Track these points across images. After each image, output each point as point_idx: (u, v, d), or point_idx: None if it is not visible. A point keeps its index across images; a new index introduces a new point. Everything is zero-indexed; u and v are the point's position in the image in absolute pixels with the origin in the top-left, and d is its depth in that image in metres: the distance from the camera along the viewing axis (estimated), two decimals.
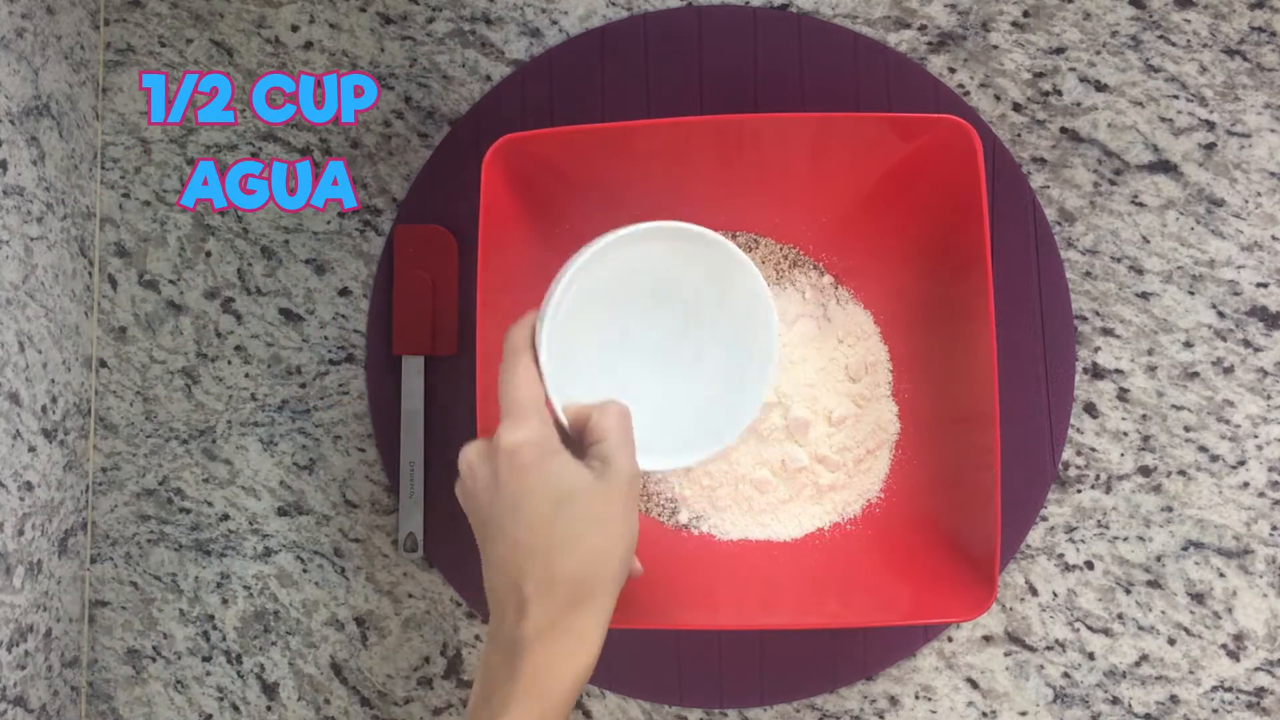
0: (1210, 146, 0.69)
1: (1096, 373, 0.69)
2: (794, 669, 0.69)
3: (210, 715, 0.74)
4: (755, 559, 0.67)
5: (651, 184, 0.66)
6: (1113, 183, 0.70)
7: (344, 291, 0.74)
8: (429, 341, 0.70)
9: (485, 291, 0.60)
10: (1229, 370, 0.69)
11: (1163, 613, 0.68)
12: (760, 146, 0.62)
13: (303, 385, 0.74)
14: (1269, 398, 0.68)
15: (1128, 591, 0.69)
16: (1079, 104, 0.70)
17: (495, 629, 0.51)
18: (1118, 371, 0.69)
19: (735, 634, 0.69)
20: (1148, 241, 0.69)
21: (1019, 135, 0.70)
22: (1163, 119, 0.69)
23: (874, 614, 0.62)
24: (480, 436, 0.59)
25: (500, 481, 0.50)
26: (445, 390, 0.71)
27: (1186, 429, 0.69)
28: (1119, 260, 0.69)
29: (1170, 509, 0.69)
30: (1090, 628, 0.69)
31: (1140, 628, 0.68)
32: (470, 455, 0.52)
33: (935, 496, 0.65)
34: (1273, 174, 0.69)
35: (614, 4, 0.72)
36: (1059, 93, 0.70)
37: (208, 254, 0.74)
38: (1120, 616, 0.69)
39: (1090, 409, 0.69)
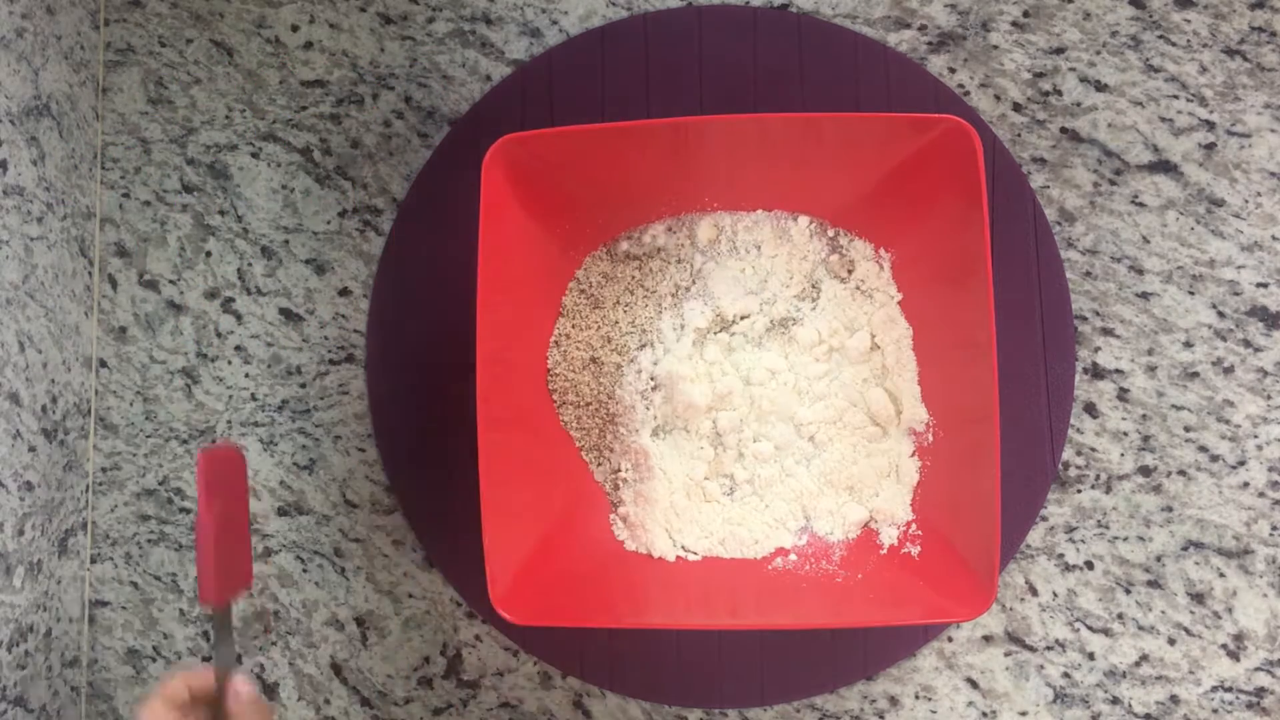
0: (1210, 146, 0.69)
1: (1096, 373, 0.69)
2: (793, 669, 0.69)
3: None
4: (756, 562, 0.67)
5: (652, 183, 0.66)
6: (1113, 183, 0.70)
7: (344, 291, 0.74)
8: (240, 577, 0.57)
9: (485, 291, 0.60)
10: (1229, 370, 0.69)
11: (1163, 613, 0.68)
12: (761, 146, 0.62)
13: (303, 385, 0.74)
14: (1269, 398, 0.68)
15: (1128, 591, 0.69)
16: (1079, 104, 0.70)
17: None
18: (1118, 371, 0.69)
19: (735, 634, 0.69)
20: (1148, 241, 0.69)
21: (1019, 135, 0.70)
22: (1163, 119, 0.69)
23: (873, 615, 0.62)
24: (481, 435, 0.59)
25: None
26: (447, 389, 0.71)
27: (1186, 429, 0.69)
28: (1119, 260, 0.69)
29: (1170, 509, 0.69)
30: (1090, 628, 0.69)
31: (1140, 628, 0.68)
32: None
33: (935, 496, 0.65)
34: (1273, 174, 0.69)
35: (614, 4, 0.72)
36: (1059, 93, 0.70)
37: (208, 254, 0.74)
38: (1120, 616, 0.69)
39: (1090, 409, 0.69)
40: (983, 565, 0.59)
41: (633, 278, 0.69)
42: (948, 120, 0.58)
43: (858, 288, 0.67)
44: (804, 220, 0.68)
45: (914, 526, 0.66)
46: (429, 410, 0.71)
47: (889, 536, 0.66)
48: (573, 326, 0.69)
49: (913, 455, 0.66)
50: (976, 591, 0.58)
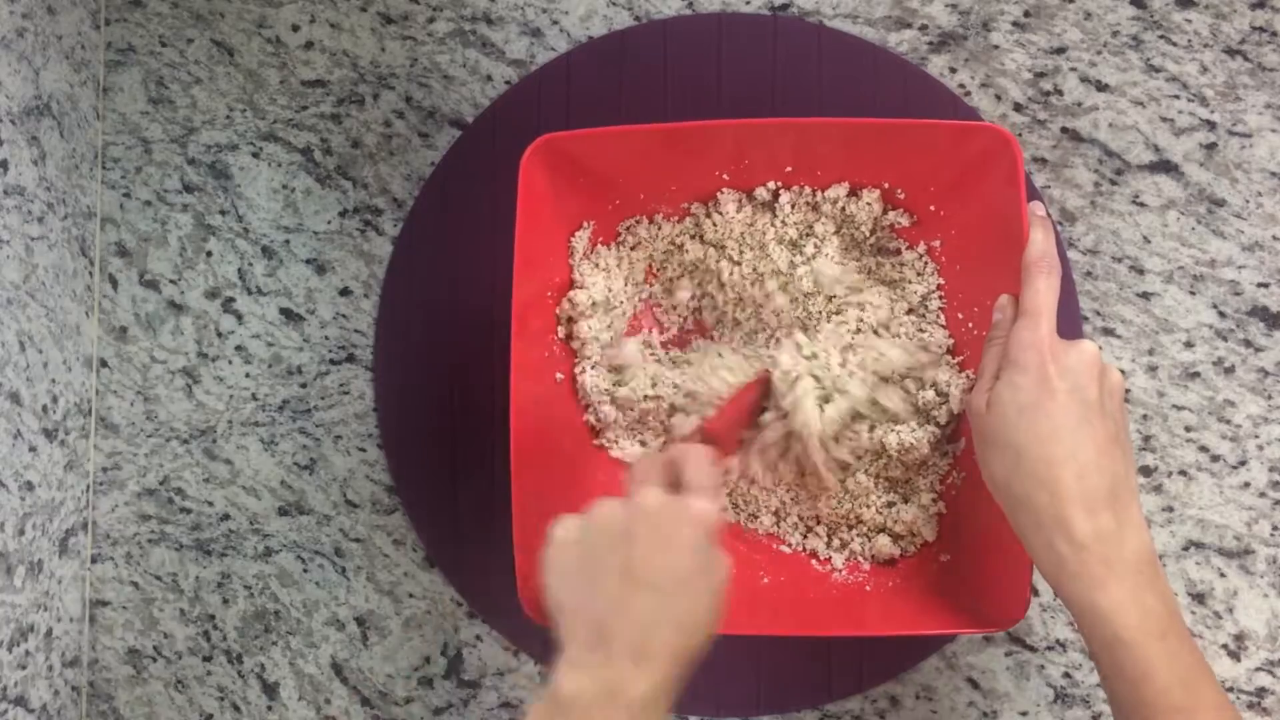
0: (1211, 146, 0.69)
1: None
2: (791, 680, 0.69)
3: (211, 715, 0.74)
4: (791, 568, 0.66)
5: (686, 184, 0.66)
6: (1114, 183, 0.69)
7: (345, 291, 0.74)
8: None
9: (520, 288, 0.60)
10: (1230, 370, 0.69)
11: None
12: (804, 149, 0.63)
13: (303, 385, 0.74)
14: (1270, 398, 0.68)
15: None
16: (1080, 104, 0.70)
17: (604, 680, 0.48)
18: (1119, 371, 0.69)
19: (733, 644, 0.68)
20: (1149, 241, 0.69)
21: (1020, 135, 0.70)
22: (1164, 119, 0.69)
23: (904, 624, 0.61)
24: (515, 427, 0.59)
25: (681, 545, 0.50)
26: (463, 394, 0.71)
27: (1187, 429, 0.69)
28: (1120, 260, 0.69)
29: (1171, 509, 0.69)
30: None
31: None
32: (652, 503, 0.51)
33: (965, 503, 0.64)
34: (1273, 174, 0.69)
35: (614, 4, 0.72)
36: (1060, 93, 0.70)
37: (208, 254, 0.74)
38: None
39: None
40: (1015, 574, 0.58)
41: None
42: (988, 129, 0.59)
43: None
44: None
45: (936, 534, 0.65)
46: (434, 410, 0.71)
47: (916, 543, 0.65)
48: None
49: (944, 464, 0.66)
50: (1009, 601, 0.58)
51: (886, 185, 0.65)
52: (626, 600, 0.49)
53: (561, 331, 0.67)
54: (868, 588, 0.64)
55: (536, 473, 0.61)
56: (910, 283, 0.66)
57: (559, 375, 0.67)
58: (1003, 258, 0.59)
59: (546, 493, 0.62)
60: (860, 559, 0.65)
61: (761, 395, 0.64)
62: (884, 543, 0.65)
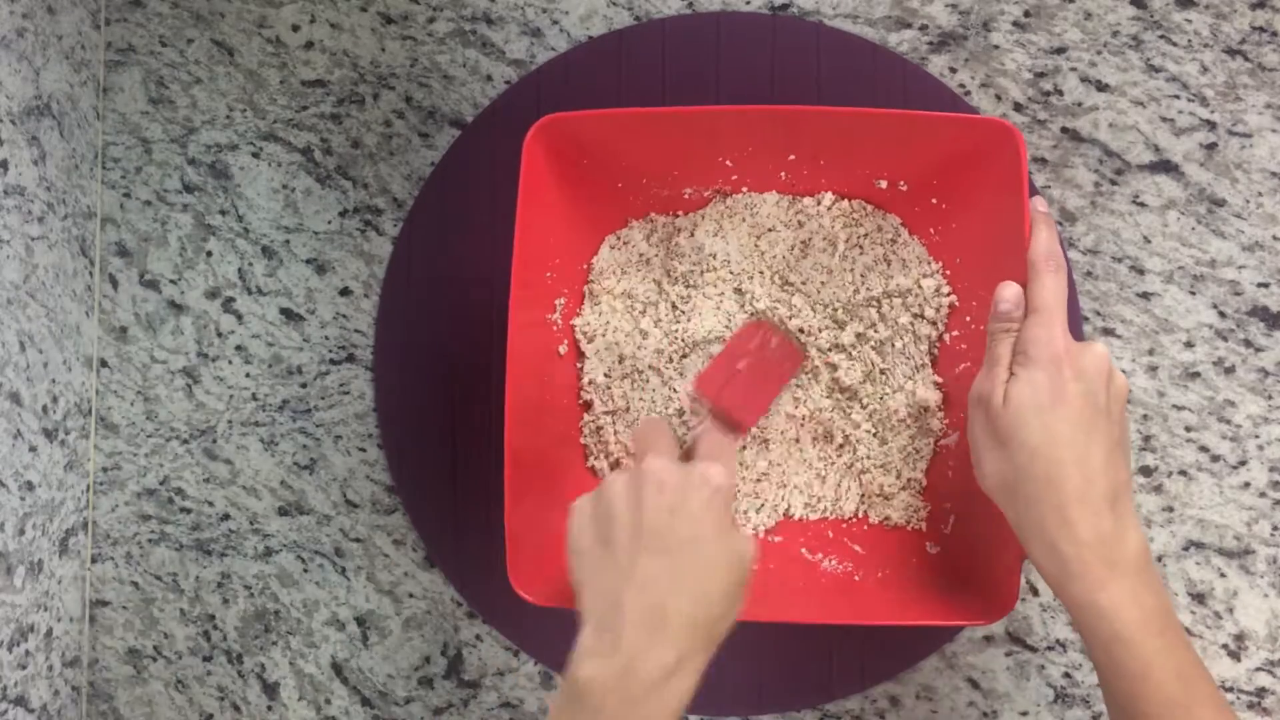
0: (1211, 146, 0.69)
1: None
2: (792, 677, 0.69)
3: (211, 715, 0.74)
4: (780, 556, 0.66)
5: (689, 170, 0.66)
6: (1114, 183, 0.69)
7: (345, 291, 0.74)
8: None
9: (519, 278, 0.60)
10: (1230, 370, 0.69)
11: None
12: (808, 138, 0.63)
13: (303, 385, 0.74)
14: (1270, 398, 0.68)
15: None
16: (1080, 104, 0.70)
17: (617, 660, 0.48)
18: (1124, 375, 0.69)
19: (733, 644, 0.68)
20: (1149, 241, 0.69)
21: None
22: (1164, 119, 0.69)
23: (892, 614, 0.61)
24: (508, 412, 0.59)
25: (692, 508, 0.50)
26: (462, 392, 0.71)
27: (1187, 429, 0.69)
28: (1120, 260, 0.69)
29: (1171, 509, 0.69)
30: None
31: None
32: (660, 469, 0.51)
33: (954, 497, 0.64)
34: (1274, 174, 0.69)
35: (614, 4, 0.72)
36: (1060, 93, 0.70)
37: (208, 254, 0.74)
38: None
39: None
40: (1006, 565, 0.58)
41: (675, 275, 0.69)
42: (992, 122, 0.59)
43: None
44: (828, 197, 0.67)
45: (928, 527, 0.65)
46: (434, 410, 0.72)
47: (908, 537, 0.66)
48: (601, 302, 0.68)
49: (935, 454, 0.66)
50: (1000, 592, 0.58)
51: (888, 177, 0.65)
52: (635, 568, 0.48)
53: (560, 313, 0.67)
54: (857, 577, 0.64)
55: (530, 458, 0.61)
56: (911, 274, 0.66)
57: (561, 348, 0.68)
58: (1004, 250, 0.59)
59: (539, 479, 0.63)
60: (850, 547, 0.66)
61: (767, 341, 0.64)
62: (874, 532, 0.65)
